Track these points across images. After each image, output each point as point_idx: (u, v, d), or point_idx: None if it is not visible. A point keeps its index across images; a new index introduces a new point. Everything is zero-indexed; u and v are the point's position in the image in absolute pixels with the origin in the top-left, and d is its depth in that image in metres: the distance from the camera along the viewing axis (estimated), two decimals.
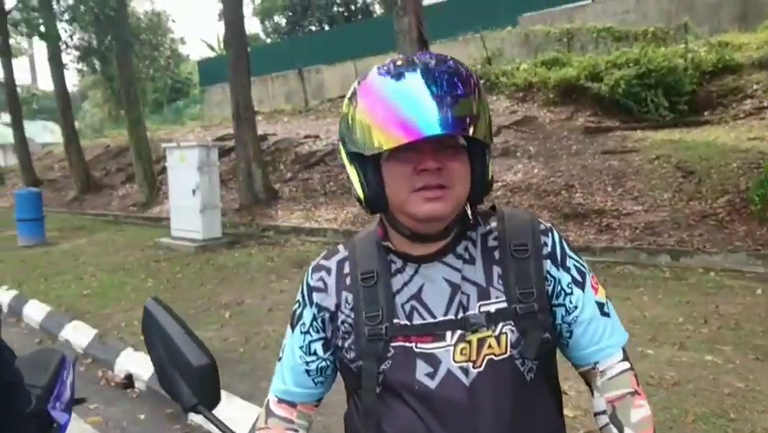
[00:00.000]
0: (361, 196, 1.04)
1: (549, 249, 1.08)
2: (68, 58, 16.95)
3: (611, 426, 1.06)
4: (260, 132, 13.30)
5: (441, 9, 18.88)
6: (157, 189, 14.89)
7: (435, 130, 0.91)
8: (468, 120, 0.94)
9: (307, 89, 21.50)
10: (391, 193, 1.01)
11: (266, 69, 22.38)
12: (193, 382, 1.03)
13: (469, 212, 1.08)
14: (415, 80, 0.94)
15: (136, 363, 4.54)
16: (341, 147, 1.08)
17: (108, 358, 4.82)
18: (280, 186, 12.88)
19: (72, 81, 41.64)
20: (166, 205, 13.32)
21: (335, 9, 28.65)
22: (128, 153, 16.73)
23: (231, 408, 3.55)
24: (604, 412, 1.08)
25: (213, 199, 9.56)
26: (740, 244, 6.67)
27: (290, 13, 29.10)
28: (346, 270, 1.12)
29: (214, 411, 1.11)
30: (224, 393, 3.77)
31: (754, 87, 11.58)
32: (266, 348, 4.71)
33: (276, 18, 30.54)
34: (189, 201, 9.47)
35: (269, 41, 30.88)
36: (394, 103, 0.94)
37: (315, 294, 1.13)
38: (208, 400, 1.04)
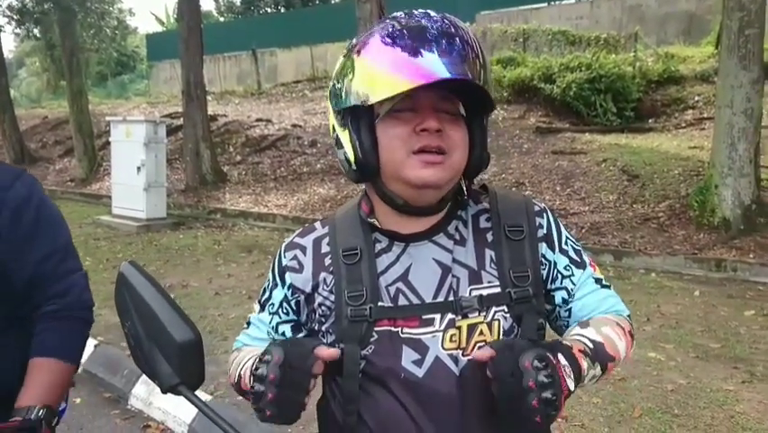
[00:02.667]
0: (352, 159, 0.96)
1: (545, 231, 1.03)
2: (5, 20, 15.93)
3: (577, 325, 1.00)
4: (209, 112, 12.92)
5: None
6: (97, 165, 14.24)
7: (446, 74, 0.86)
8: (477, 78, 0.91)
9: (261, 72, 21.04)
10: (386, 156, 0.94)
11: (218, 47, 21.75)
12: (174, 359, 0.92)
13: (464, 186, 1.02)
14: (425, 32, 0.90)
15: None
16: (330, 108, 1.02)
17: None
18: (229, 168, 12.56)
19: (8, 47, 39.36)
20: (106, 182, 12.78)
21: None
22: (67, 126, 15.93)
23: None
24: (577, 322, 1.02)
25: (158, 178, 9.21)
26: (679, 248, 6.95)
27: None
28: (324, 248, 1.04)
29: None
30: None
31: (696, 98, 12.09)
32: (212, 333, 4.56)
33: None
34: (133, 178, 9.09)
35: (222, 19, 30.04)
36: (404, 50, 0.89)
37: (288, 274, 1.05)
38: (191, 380, 0.94)
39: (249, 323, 1.13)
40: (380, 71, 0.90)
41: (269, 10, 28.26)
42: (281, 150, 13.08)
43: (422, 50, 0.88)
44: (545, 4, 18.02)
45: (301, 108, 15.99)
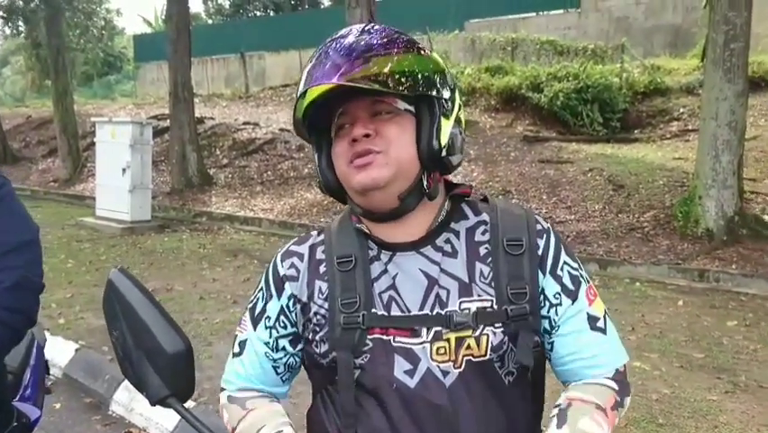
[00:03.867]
0: (320, 181, 1.04)
1: (540, 252, 0.99)
2: None
3: (554, 418, 0.95)
4: (196, 114, 12.84)
5: (392, 5, 18.87)
6: (81, 166, 14.09)
7: (329, 80, 0.90)
8: (380, 76, 0.90)
9: (249, 75, 20.97)
10: (338, 172, 1.00)
11: (206, 50, 21.65)
12: (164, 370, 0.89)
13: (425, 181, 0.98)
14: (334, 43, 0.95)
15: (51, 349, 4.21)
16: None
17: None
18: (215, 172, 12.48)
19: None
20: (90, 183, 12.65)
21: None
22: (51, 126, 15.75)
23: None
24: (558, 406, 0.97)
25: (144, 180, 9.13)
26: (663, 258, 7.01)
27: None
28: (320, 255, 1.03)
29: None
30: None
31: (681, 110, 12.24)
32: (196, 337, 4.50)
33: None
34: (118, 180, 9.00)
35: (210, 21, 29.93)
36: (312, 62, 0.94)
37: (287, 284, 1.02)
38: (181, 392, 0.91)
39: (241, 346, 1.07)
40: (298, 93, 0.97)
41: (258, 13, 28.22)
42: (268, 154, 13.02)
43: (318, 66, 0.93)
44: (534, 14, 18.17)
45: (289, 112, 15.78)
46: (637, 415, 3.22)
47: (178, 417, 3.08)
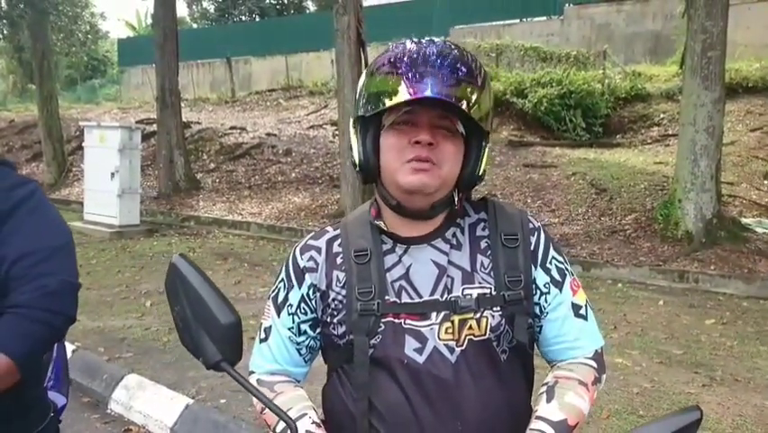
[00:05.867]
0: (357, 161, 1.10)
1: (532, 248, 1.13)
2: None
3: (544, 394, 1.08)
4: (183, 119, 12.87)
5: (379, 12, 19.05)
6: (67, 170, 14.04)
7: (432, 93, 0.99)
8: (465, 101, 1.01)
9: (235, 80, 21.01)
10: (385, 162, 1.07)
11: (191, 54, 21.60)
12: (218, 339, 1.03)
13: (456, 198, 1.11)
14: (426, 57, 1.02)
15: None
16: (351, 118, 1.15)
17: None
18: (203, 176, 12.52)
19: None
20: (76, 187, 12.62)
21: (267, 1, 28.15)
22: (35, 130, 15.66)
23: (157, 397, 3.44)
24: (546, 384, 1.10)
25: (133, 184, 9.16)
26: (644, 259, 7.20)
27: (220, 0, 28.29)
28: (336, 248, 1.14)
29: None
30: (149, 383, 3.65)
31: (661, 115, 12.51)
32: None
33: (204, 3, 29.59)
34: (107, 184, 9.02)
35: (195, 26, 29.88)
36: (401, 71, 1.02)
37: (307, 275, 1.14)
38: (232, 358, 1.05)
39: (266, 332, 1.18)
40: (380, 88, 1.04)
41: (243, 18, 28.24)
42: (256, 158, 13.09)
43: (416, 73, 1.00)
44: (518, 21, 18.44)
45: (276, 117, 16.03)
46: (619, 407, 3.37)
47: (177, 414, 3.17)
